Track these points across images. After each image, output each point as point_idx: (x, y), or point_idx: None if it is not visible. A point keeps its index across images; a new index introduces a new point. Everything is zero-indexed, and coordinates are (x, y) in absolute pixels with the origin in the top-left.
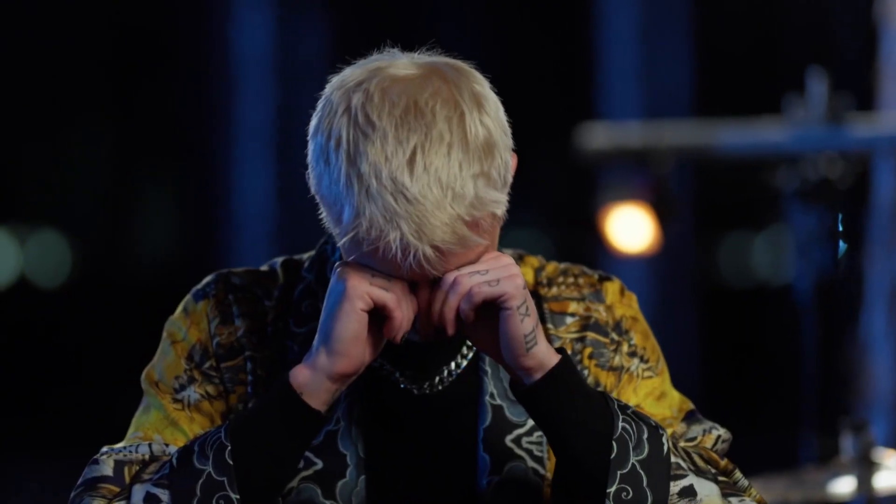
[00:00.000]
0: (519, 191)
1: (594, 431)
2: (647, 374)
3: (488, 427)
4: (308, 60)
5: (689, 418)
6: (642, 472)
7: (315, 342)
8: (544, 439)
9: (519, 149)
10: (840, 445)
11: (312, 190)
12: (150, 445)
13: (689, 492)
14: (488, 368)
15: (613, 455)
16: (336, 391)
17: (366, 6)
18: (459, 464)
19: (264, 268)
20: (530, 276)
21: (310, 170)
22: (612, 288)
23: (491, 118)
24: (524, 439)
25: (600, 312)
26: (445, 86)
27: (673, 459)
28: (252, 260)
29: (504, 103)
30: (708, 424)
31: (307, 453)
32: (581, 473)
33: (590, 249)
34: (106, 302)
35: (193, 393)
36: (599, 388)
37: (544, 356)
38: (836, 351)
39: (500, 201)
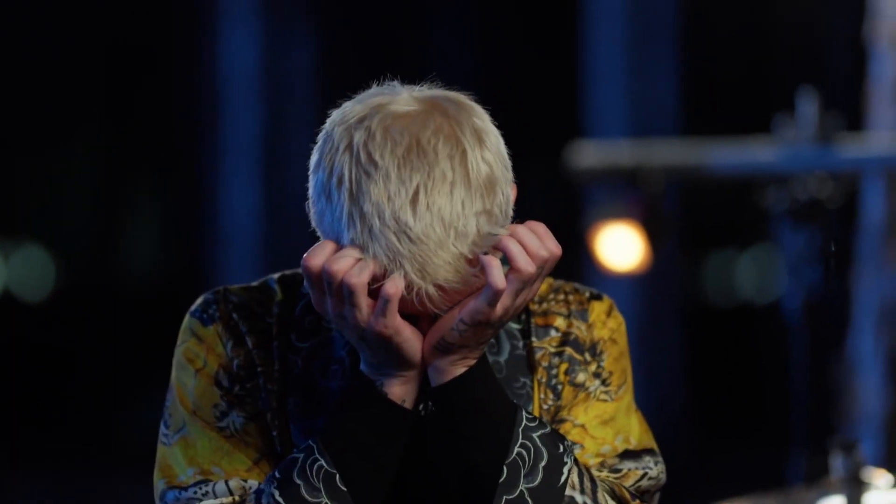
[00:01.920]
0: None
1: (487, 451)
2: (602, 396)
3: None
4: (295, 76)
5: (627, 456)
6: (529, 500)
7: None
8: None
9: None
10: (829, 465)
11: (314, 224)
12: (226, 483)
13: None
14: None
15: (502, 479)
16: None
17: (353, 24)
18: (450, 481)
19: (257, 284)
20: None
21: (310, 204)
22: (598, 308)
23: (492, 153)
24: None
25: (581, 330)
26: (447, 122)
27: (568, 492)
28: (238, 274)
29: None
30: (644, 461)
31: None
32: (469, 491)
33: (579, 267)
34: (90, 316)
35: (238, 418)
36: (559, 403)
37: (459, 361)
38: (824, 370)
39: (498, 221)
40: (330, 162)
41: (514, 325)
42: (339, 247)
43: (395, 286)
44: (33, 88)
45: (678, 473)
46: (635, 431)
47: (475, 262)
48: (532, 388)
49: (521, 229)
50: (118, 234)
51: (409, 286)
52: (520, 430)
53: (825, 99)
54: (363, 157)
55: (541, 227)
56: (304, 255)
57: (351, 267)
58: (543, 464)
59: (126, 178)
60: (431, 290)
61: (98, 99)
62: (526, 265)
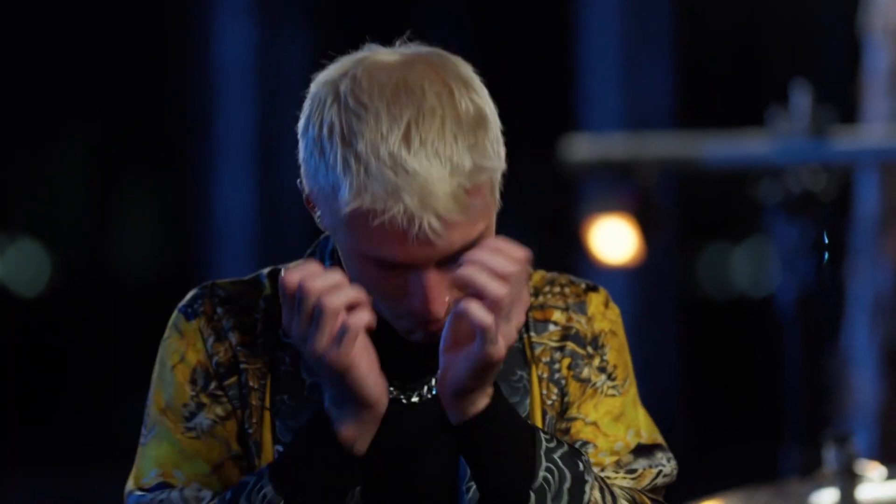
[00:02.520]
0: (502, 202)
1: (513, 478)
2: (610, 391)
3: None
4: (290, 71)
5: (641, 452)
6: None
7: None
8: None
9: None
10: (823, 457)
11: (307, 188)
12: (181, 491)
13: None
14: None
15: None
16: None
17: (347, 18)
18: (445, 471)
19: (249, 278)
20: None
21: (303, 170)
22: (596, 299)
23: (479, 96)
24: None
25: (581, 324)
26: (431, 68)
27: None
28: (233, 269)
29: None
30: (657, 459)
31: None
32: None
33: (573, 261)
34: (85, 311)
35: (205, 419)
36: (566, 399)
37: (473, 404)
38: (818, 363)
39: (497, 168)
40: (319, 117)
41: None
42: (324, 267)
43: (360, 318)
44: (27, 83)
45: None
46: (644, 424)
47: (473, 193)
48: (529, 381)
49: (479, 254)
50: (113, 229)
51: (411, 219)
52: (542, 452)
53: (819, 91)
54: (351, 102)
55: (498, 243)
56: (284, 270)
57: (330, 288)
58: (568, 486)
59: (121, 174)
60: (434, 221)
61: (92, 94)
62: (497, 289)
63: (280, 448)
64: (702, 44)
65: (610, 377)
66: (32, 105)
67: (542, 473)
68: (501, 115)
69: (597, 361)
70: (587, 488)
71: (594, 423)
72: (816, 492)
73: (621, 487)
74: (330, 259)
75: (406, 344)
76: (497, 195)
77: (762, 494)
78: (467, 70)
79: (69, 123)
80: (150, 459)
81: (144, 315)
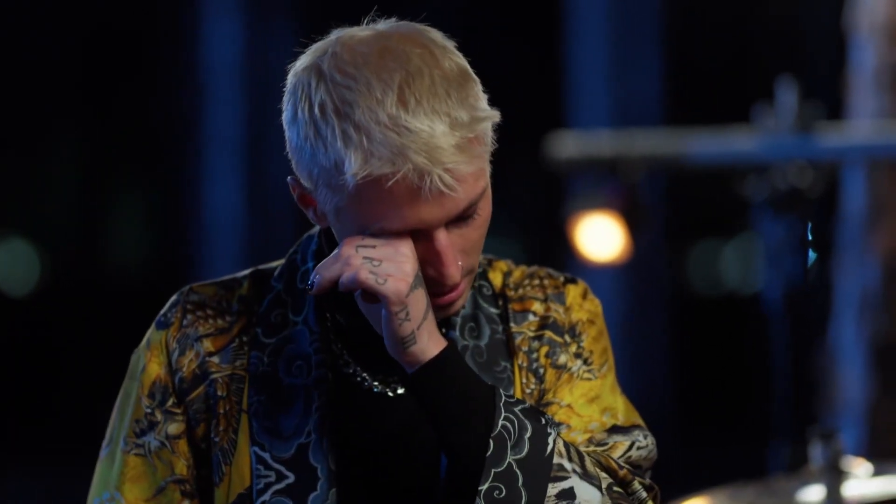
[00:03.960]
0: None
1: (472, 427)
2: (586, 375)
3: None
4: (278, 70)
5: (616, 430)
6: (518, 472)
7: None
8: None
9: (490, 158)
10: (809, 454)
11: (302, 178)
12: None
13: (568, 494)
14: None
15: (489, 452)
16: None
17: (336, 17)
18: (429, 468)
19: (226, 279)
20: (499, 280)
21: (294, 161)
22: (574, 291)
23: (457, 55)
24: None
25: (559, 313)
26: (407, 35)
27: (557, 461)
28: (222, 267)
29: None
30: (633, 435)
31: (279, 466)
32: (456, 467)
33: (560, 258)
34: (75, 310)
35: (154, 440)
36: (543, 386)
37: (423, 352)
38: (805, 360)
39: (490, 118)
40: (306, 101)
41: (493, 310)
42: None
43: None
44: (15, 83)
45: (661, 462)
46: (622, 408)
47: (475, 143)
48: (513, 372)
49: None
50: (102, 229)
51: (422, 175)
52: (501, 404)
53: (805, 88)
54: (338, 76)
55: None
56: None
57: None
58: (529, 435)
59: (110, 173)
60: (444, 174)
61: (81, 93)
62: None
63: (257, 449)
64: (689, 41)
65: (586, 362)
66: (21, 105)
67: (500, 422)
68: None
69: (573, 348)
70: (550, 440)
71: (568, 406)
72: (803, 488)
73: (588, 453)
74: (312, 259)
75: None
76: (489, 148)
77: (749, 491)
78: (439, 35)
79: (58, 123)
80: (102, 480)
81: (135, 314)
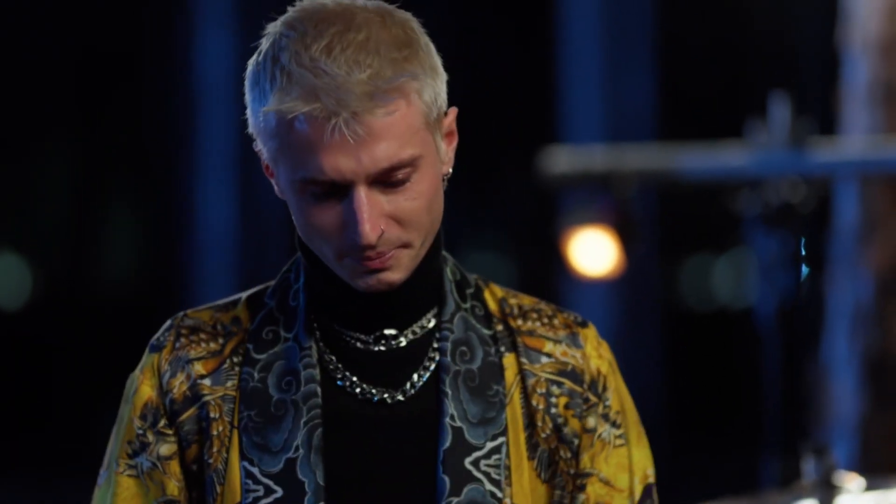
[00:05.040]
0: (481, 214)
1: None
2: (618, 441)
3: (448, 449)
4: None
5: (647, 494)
6: None
7: None
8: (501, 462)
9: (482, 172)
10: (802, 469)
11: (254, 134)
12: None
13: None
14: (448, 390)
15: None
16: None
17: None
18: (419, 485)
19: (225, 301)
20: (494, 304)
21: (251, 125)
22: (589, 335)
23: (415, 32)
24: (482, 462)
25: (577, 359)
26: (371, 5)
27: None
28: (215, 282)
29: (467, 127)
30: (654, 496)
31: (267, 481)
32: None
33: (552, 273)
34: (68, 324)
35: (146, 461)
36: (575, 441)
37: None
38: (797, 374)
39: (424, 89)
40: (255, 61)
41: (486, 331)
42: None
43: None
44: (8, 95)
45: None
46: (648, 460)
47: (394, 101)
48: (504, 395)
49: None
50: (95, 243)
51: (326, 118)
52: None
53: (798, 103)
54: (283, 30)
55: None
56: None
57: None
58: None
59: (102, 186)
60: (352, 121)
61: (74, 106)
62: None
63: (246, 464)
64: (681, 56)
65: (615, 425)
66: (14, 117)
67: None
68: (482, 128)
69: (600, 408)
70: None
71: (607, 481)
72: (796, 502)
73: None
74: (304, 273)
75: (390, 346)
76: (436, 137)
77: None
78: (412, 19)
79: (51, 137)
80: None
81: (127, 327)
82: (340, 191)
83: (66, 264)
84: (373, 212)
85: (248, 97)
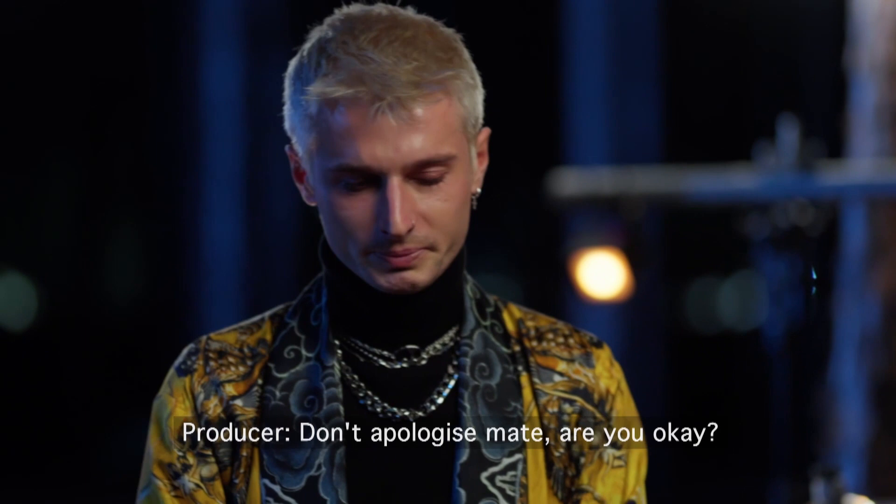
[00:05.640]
0: (489, 236)
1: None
2: (617, 462)
3: (465, 463)
4: (277, 104)
5: None
6: None
7: None
8: (517, 479)
9: (490, 195)
10: (811, 492)
11: (290, 131)
12: None
13: None
14: (467, 405)
15: None
16: None
17: None
18: (436, 498)
19: (250, 322)
20: (512, 324)
21: (286, 115)
22: (602, 355)
23: (460, 45)
24: (498, 478)
25: (588, 378)
26: (417, 16)
27: None
28: (220, 302)
29: None
30: None
31: (289, 499)
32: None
33: (560, 296)
34: (72, 345)
35: (188, 482)
36: (581, 459)
37: None
38: (805, 397)
39: (461, 77)
40: (299, 58)
41: (505, 349)
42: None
43: None
44: (13, 115)
45: (659, 501)
46: (642, 486)
47: (438, 94)
48: (522, 412)
49: None
50: (100, 263)
51: (372, 101)
52: None
53: (806, 126)
54: (330, 25)
55: None
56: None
57: None
58: None
59: (108, 207)
60: (396, 105)
61: (80, 126)
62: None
63: (267, 482)
64: (689, 79)
65: (615, 446)
66: (20, 137)
67: None
68: (490, 149)
69: (605, 428)
70: None
71: (601, 502)
72: None
73: None
74: (325, 288)
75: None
76: (471, 146)
77: None
78: (458, 36)
79: (57, 156)
80: None
81: (132, 348)
82: (374, 182)
83: (71, 285)
84: (405, 204)
85: (287, 92)
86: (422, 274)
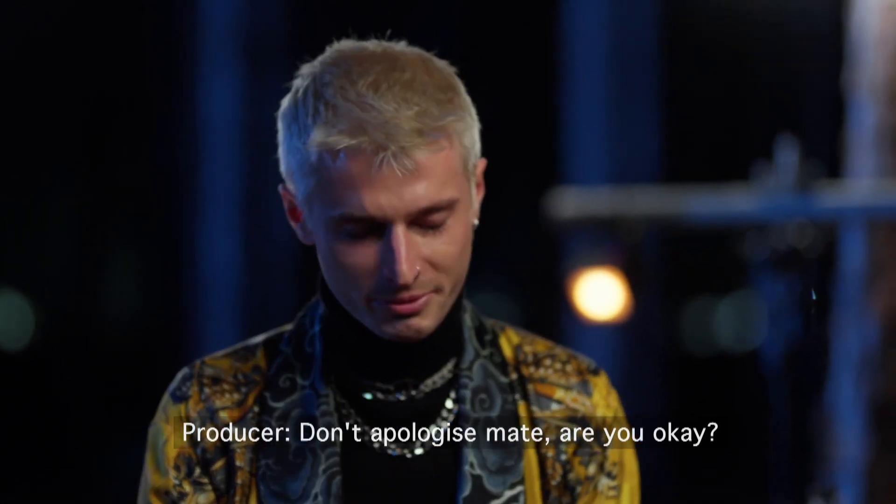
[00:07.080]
0: (487, 256)
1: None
2: (611, 493)
3: (467, 497)
4: (275, 125)
5: None
6: None
7: None
8: None
9: (488, 215)
10: None
11: (286, 173)
12: None
13: None
14: (468, 438)
15: None
16: None
17: None
18: None
19: (240, 347)
20: (509, 351)
21: (281, 156)
22: (599, 383)
23: (455, 81)
24: None
25: (586, 407)
26: (410, 50)
27: None
28: (218, 324)
29: None
30: None
31: None
32: None
33: (559, 316)
34: (69, 365)
35: None
36: (577, 488)
37: None
38: (804, 418)
39: (462, 119)
40: (293, 98)
41: (504, 379)
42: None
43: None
44: (12, 135)
45: None
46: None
47: (440, 141)
48: (522, 443)
49: None
50: (98, 283)
51: (375, 152)
52: None
53: (804, 147)
54: (325, 66)
55: None
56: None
57: None
58: None
59: (106, 227)
60: (400, 154)
61: (78, 146)
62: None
63: None
64: (688, 99)
65: (610, 476)
66: (18, 157)
67: None
68: (487, 169)
69: (600, 458)
70: None
71: None
72: None
73: None
74: (320, 322)
75: (409, 396)
76: (471, 184)
77: None
78: (451, 69)
79: (55, 176)
80: None
81: (130, 368)
82: (377, 230)
83: (69, 305)
84: (410, 252)
85: (282, 135)
86: (427, 320)
